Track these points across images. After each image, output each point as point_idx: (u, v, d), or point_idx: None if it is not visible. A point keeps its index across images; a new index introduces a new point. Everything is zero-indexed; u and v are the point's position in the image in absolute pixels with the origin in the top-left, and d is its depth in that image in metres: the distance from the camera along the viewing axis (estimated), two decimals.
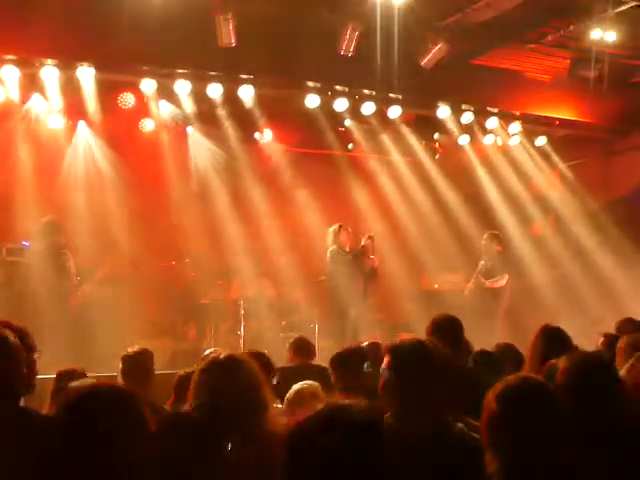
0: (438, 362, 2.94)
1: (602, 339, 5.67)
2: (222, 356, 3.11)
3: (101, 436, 2.07)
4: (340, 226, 9.76)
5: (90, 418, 2.11)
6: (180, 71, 9.51)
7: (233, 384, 2.97)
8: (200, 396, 2.98)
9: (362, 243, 9.74)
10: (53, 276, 8.72)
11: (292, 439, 1.89)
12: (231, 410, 2.87)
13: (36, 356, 3.35)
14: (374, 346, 5.62)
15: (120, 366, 5.00)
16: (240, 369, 3.05)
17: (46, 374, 4.98)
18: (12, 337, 2.82)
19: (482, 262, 10.80)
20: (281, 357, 6.72)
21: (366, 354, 4.95)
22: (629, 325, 6.24)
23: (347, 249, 9.68)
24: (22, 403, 2.88)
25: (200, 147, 11.24)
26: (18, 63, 8.87)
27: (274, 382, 4.64)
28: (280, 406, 4.31)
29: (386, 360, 2.98)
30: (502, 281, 10.70)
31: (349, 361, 4.89)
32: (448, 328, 4.76)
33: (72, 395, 2.20)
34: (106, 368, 6.20)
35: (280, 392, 4.43)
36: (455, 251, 11.65)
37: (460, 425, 2.92)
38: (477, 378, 4.34)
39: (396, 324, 10.48)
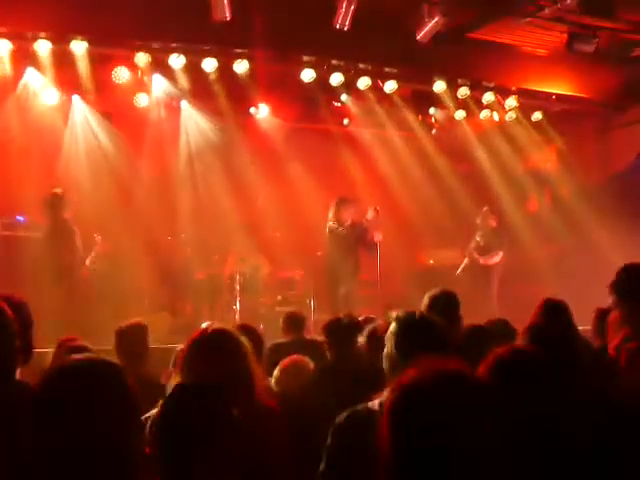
0: (439, 335, 3.00)
1: (594, 313, 5.72)
2: (209, 329, 3.10)
3: (76, 415, 2.03)
4: (339, 200, 9.71)
5: (62, 396, 2.05)
6: (174, 45, 9.44)
7: (220, 357, 2.97)
8: (189, 369, 2.98)
9: (368, 216, 9.73)
10: (63, 251, 8.72)
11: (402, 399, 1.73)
12: (218, 383, 2.87)
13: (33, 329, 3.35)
14: (369, 321, 5.63)
15: (115, 340, 5.00)
16: (227, 342, 3.05)
17: (46, 348, 5.01)
18: (6, 309, 2.80)
19: (477, 238, 10.83)
20: (277, 332, 6.75)
21: (361, 327, 4.97)
22: None
23: (347, 224, 9.64)
24: (18, 376, 2.87)
25: (194, 122, 11.18)
26: (10, 36, 8.80)
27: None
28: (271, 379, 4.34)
29: (391, 329, 3.02)
30: (496, 257, 10.74)
31: (342, 330, 4.93)
32: (445, 303, 4.77)
33: (48, 372, 2.17)
34: (104, 342, 6.21)
35: (273, 367, 4.46)
36: (451, 227, 11.67)
37: None
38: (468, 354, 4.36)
39: (392, 300, 10.49)
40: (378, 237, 9.64)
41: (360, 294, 9.86)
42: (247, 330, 3.90)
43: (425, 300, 4.84)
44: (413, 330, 3.00)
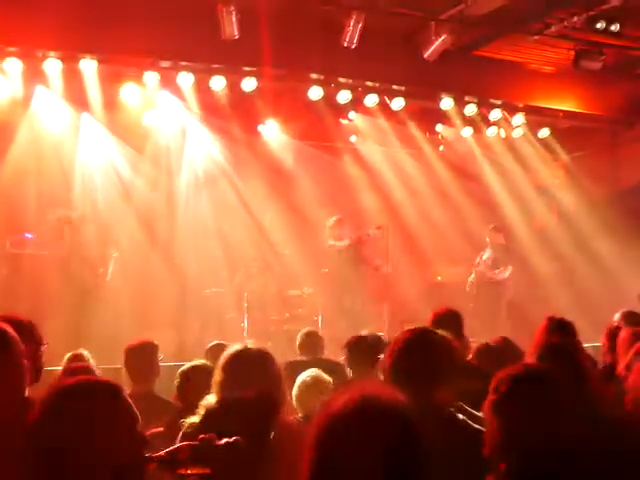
0: (446, 351, 3.03)
1: (605, 331, 5.71)
2: (253, 349, 3.17)
3: (75, 435, 2.04)
4: (335, 220, 9.95)
5: (56, 418, 2.06)
6: (183, 63, 9.51)
7: (264, 376, 3.03)
8: (224, 386, 2.99)
9: (369, 232, 9.90)
10: (84, 269, 8.81)
11: (325, 427, 1.69)
12: (256, 402, 2.89)
13: (43, 348, 3.37)
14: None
15: (124, 357, 4.99)
16: (269, 362, 3.12)
17: (53, 365, 5.02)
18: (10, 330, 2.82)
19: (485, 254, 10.82)
20: (285, 349, 6.74)
21: (384, 344, 4.98)
22: (630, 317, 6.28)
23: (346, 241, 9.83)
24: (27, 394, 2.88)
25: (203, 139, 11.21)
26: (21, 55, 8.87)
27: None
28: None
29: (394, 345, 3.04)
30: (505, 273, 10.72)
31: (365, 348, 4.92)
32: (449, 320, 4.77)
33: (47, 394, 2.18)
34: (110, 360, 6.21)
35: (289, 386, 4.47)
36: (458, 243, 11.66)
37: (461, 416, 2.94)
38: (478, 371, 4.36)
39: (400, 316, 10.48)
40: (378, 262, 9.82)
41: (369, 310, 9.88)
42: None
43: (431, 317, 4.84)
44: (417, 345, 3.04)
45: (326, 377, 4.62)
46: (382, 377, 4.70)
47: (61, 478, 2.02)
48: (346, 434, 1.62)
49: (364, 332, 5.42)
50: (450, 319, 4.80)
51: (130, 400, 2.15)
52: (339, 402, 1.68)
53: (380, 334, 5.86)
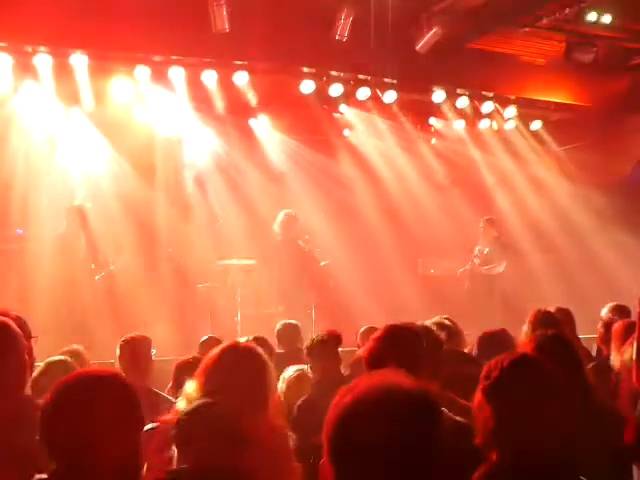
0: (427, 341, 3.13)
1: (600, 323, 5.76)
2: (242, 345, 3.18)
3: (82, 426, 2.05)
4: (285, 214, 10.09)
5: (68, 408, 2.08)
6: (174, 57, 9.47)
7: (252, 368, 3.04)
8: (209, 380, 2.99)
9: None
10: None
11: (347, 413, 1.66)
12: (248, 393, 2.90)
13: (33, 342, 3.36)
14: (372, 331, 5.62)
15: (118, 352, 4.98)
16: (258, 354, 3.12)
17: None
18: (14, 325, 2.83)
19: (479, 247, 10.82)
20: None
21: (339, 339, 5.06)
22: (619, 310, 6.33)
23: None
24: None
25: (195, 133, 11.18)
26: (10, 50, 8.82)
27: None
28: None
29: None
30: (499, 268, 10.72)
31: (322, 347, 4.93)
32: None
33: (57, 384, 2.18)
34: (105, 355, 6.20)
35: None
36: (450, 237, 11.66)
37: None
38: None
39: (393, 310, 10.49)
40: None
41: (362, 304, 9.89)
42: (260, 341, 3.96)
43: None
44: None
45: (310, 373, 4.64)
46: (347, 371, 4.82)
47: (69, 470, 2.03)
48: (368, 419, 1.61)
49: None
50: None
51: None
52: (359, 388, 1.67)
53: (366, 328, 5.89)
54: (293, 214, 10.17)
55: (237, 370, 2.99)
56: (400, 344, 3.06)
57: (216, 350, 3.11)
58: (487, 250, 10.75)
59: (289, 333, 6.50)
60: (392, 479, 1.60)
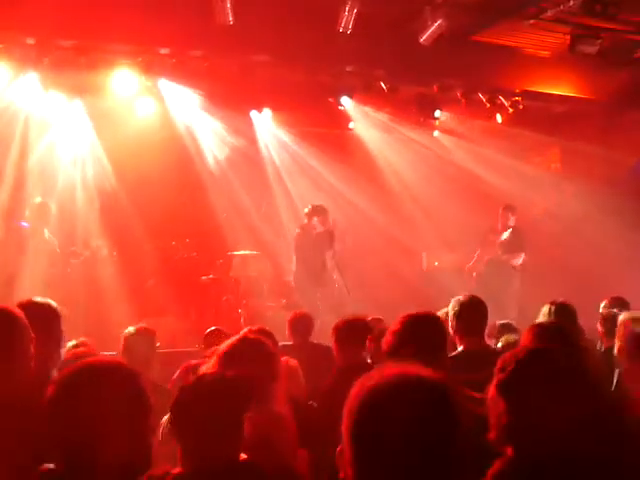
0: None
1: (600, 317, 5.80)
2: (250, 332, 3.35)
3: (92, 415, 2.05)
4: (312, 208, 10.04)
5: (79, 396, 2.10)
6: (177, 49, 9.45)
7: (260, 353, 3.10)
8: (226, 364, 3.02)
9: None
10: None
11: (365, 402, 1.66)
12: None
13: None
14: (376, 322, 5.63)
15: (122, 344, 4.98)
16: (264, 342, 3.19)
17: None
18: (23, 317, 2.84)
19: (502, 235, 10.62)
20: (281, 336, 6.73)
21: (370, 328, 4.99)
22: (619, 302, 6.37)
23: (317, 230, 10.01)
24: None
25: (198, 125, 11.16)
26: (8, 41, 8.80)
27: None
28: None
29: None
30: (520, 259, 10.60)
31: (352, 332, 4.91)
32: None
33: (65, 371, 2.19)
34: (107, 347, 6.20)
35: None
36: (455, 229, 11.65)
37: None
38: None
39: (396, 303, 10.50)
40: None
41: (367, 296, 9.90)
42: (264, 333, 3.98)
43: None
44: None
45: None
46: (370, 359, 4.77)
47: (76, 459, 2.03)
48: (388, 407, 1.62)
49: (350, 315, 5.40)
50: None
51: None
52: (376, 378, 1.68)
53: (371, 318, 5.87)
54: (321, 206, 10.17)
55: (248, 361, 3.00)
56: (423, 331, 3.10)
57: (230, 341, 3.15)
58: (506, 238, 10.62)
59: (301, 325, 6.44)
60: (412, 467, 1.61)
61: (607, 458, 2.40)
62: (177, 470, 2.37)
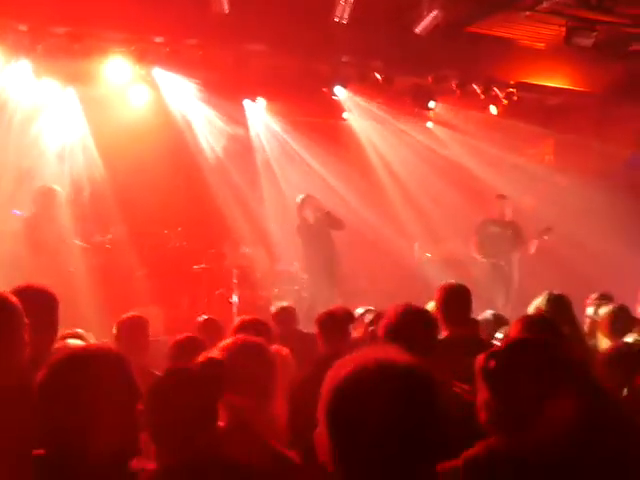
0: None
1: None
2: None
3: (82, 400, 2.05)
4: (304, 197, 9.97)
5: (69, 381, 2.09)
6: (171, 37, 9.41)
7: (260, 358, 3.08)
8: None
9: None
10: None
11: (341, 389, 1.65)
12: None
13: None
14: (369, 313, 5.64)
15: (114, 331, 4.99)
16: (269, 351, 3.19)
17: None
18: (18, 303, 2.83)
19: (504, 229, 10.54)
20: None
21: (353, 319, 5.03)
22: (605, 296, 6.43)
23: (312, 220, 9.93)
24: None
25: (192, 114, 11.12)
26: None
27: None
28: None
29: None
30: (533, 247, 10.54)
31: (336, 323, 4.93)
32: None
33: (56, 357, 2.19)
34: (99, 335, 6.19)
35: None
36: (446, 221, 11.65)
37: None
38: None
39: (390, 293, 10.51)
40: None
41: (359, 287, 9.90)
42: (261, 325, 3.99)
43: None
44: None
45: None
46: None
47: (66, 445, 2.03)
48: (365, 390, 1.62)
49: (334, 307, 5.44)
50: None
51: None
52: (351, 363, 1.68)
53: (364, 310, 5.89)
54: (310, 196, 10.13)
55: (248, 367, 2.99)
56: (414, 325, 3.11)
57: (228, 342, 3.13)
58: (508, 232, 10.55)
59: (285, 314, 6.47)
60: (388, 451, 1.60)
61: (590, 446, 2.42)
62: (152, 466, 2.34)
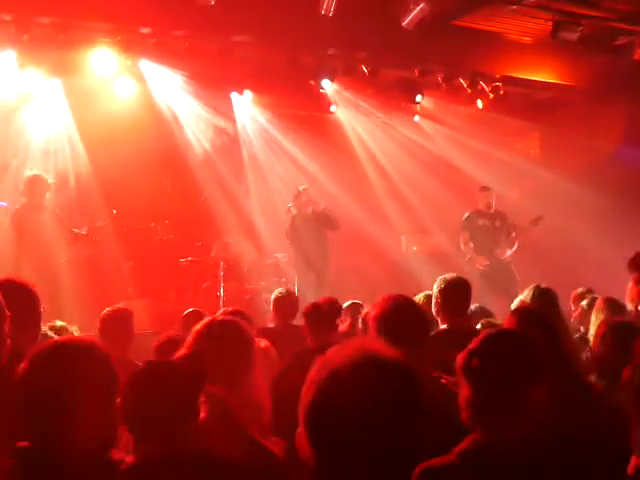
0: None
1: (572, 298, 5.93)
2: (220, 317, 3.26)
3: (62, 391, 2.05)
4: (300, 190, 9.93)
5: (49, 374, 2.09)
6: (157, 29, 9.35)
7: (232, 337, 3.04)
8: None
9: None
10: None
11: (325, 382, 1.65)
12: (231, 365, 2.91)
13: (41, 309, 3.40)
14: (355, 306, 5.66)
15: (98, 325, 4.97)
16: (238, 323, 3.15)
17: None
18: None
19: (492, 221, 10.45)
20: (260, 319, 6.74)
21: (340, 312, 5.03)
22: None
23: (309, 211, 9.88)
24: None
25: (178, 106, 11.07)
26: None
27: None
28: None
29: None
30: (520, 237, 10.46)
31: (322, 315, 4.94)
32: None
33: (37, 348, 2.19)
34: (85, 328, 6.17)
35: None
36: (432, 214, 11.67)
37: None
38: None
39: (377, 286, 10.53)
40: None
41: (346, 280, 9.91)
42: (239, 314, 3.98)
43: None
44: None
45: None
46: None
47: (47, 438, 2.03)
48: (348, 387, 1.61)
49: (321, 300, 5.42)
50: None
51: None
52: (337, 357, 1.67)
53: (350, 303, 5.89)
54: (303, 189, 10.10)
55: (221, 342, 2.98)
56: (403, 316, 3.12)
57: (201, 324, 3.12)
58: (497, 224, 10.42)
59: (283, 307, 6.35)
60: (371, 446, 1.60)
61: (573, 438, 2.44)
62: (130, 459, 2.32)
